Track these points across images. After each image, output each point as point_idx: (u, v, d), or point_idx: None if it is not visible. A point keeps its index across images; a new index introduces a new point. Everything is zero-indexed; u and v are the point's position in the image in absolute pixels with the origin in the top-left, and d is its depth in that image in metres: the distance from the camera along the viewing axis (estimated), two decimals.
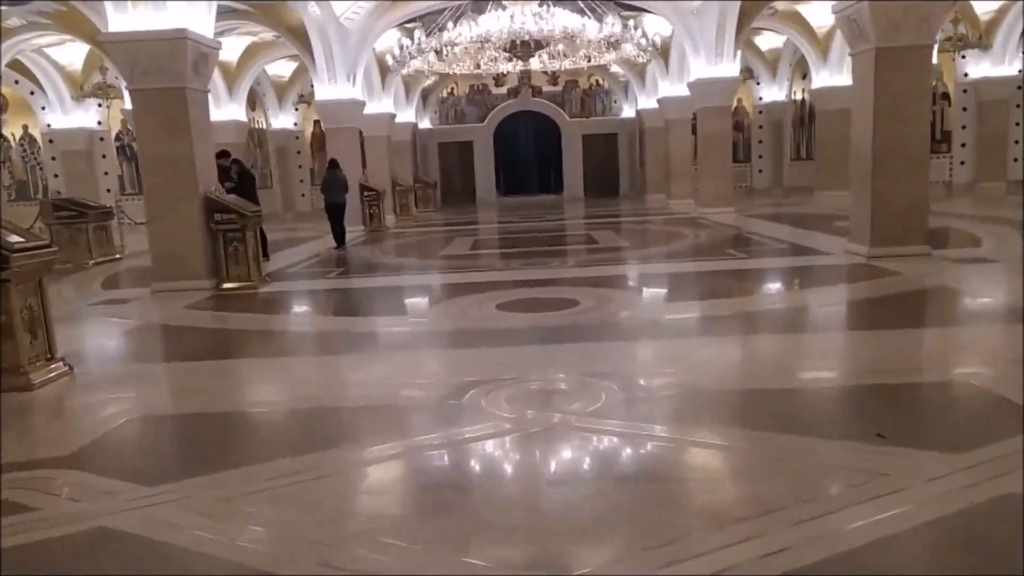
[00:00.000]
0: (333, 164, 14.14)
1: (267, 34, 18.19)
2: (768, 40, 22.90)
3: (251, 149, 22.60)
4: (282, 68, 23.24)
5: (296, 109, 25.08)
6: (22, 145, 21.13)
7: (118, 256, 13.01)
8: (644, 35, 11.67)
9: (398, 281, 9.80)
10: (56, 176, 21.31)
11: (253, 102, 23.23)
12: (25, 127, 21.09)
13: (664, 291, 8.44)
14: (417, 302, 8.45)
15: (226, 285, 8.77)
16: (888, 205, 8.55)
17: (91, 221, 12.52)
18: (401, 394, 4.64)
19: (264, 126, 24.15)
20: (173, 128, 8.44)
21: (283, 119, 24.87)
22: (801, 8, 18.78)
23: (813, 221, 14.00)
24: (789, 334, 6.01)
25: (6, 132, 20.79)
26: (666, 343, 5.77)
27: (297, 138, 25.57)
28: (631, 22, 11.29)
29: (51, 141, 20.94)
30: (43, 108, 20.67)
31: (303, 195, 25.24)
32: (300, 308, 8.34)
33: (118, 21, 8.26)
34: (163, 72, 8.28)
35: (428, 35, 11.11)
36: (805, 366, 5.08)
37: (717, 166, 16.79)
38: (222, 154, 11.23)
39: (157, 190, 8.60)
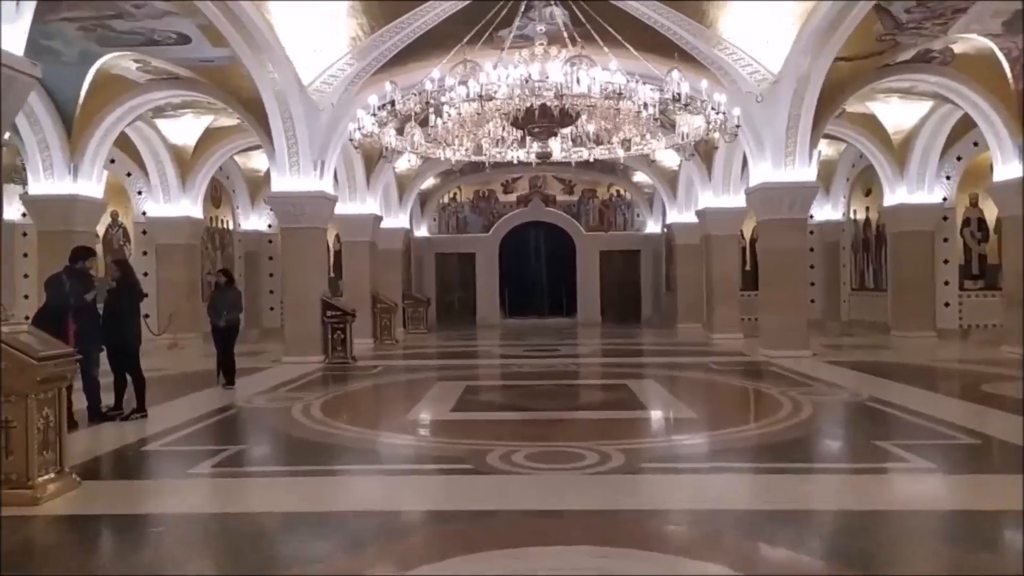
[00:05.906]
0: (227, 276, 10.43)
1: (230, 117, 14.95)
2: (820, 149, 19.63)
3: (208, 252, 19.04)
4: (259, 161, 20.00)
5: (271, 208, 21.61)
6: None
7: None
8: (716, 109, 8.03)
9: (308, 500, 4.94)
10: None
11: (219, 198, 19.90)
12: None
13: None
14: None
15: None
16: None
17: None
18: None
19: (231, 226, 20.66)
20: None
21: (254, 220, 21.40)
22: (876, 107, 15.47)
23: (938, 379, 9.94)
24: None
25: None
26: None
27: (270, 242, 21.98)
28: (704, 83, 7.70)
29: None
30: None
31: (272, 308, 21.38)
32: None
33: None
34: None
35: (404, 96, 7.48)
36: None
37: (787, 295, 12.84)
38: (79, 252, 7.39)
39: None
